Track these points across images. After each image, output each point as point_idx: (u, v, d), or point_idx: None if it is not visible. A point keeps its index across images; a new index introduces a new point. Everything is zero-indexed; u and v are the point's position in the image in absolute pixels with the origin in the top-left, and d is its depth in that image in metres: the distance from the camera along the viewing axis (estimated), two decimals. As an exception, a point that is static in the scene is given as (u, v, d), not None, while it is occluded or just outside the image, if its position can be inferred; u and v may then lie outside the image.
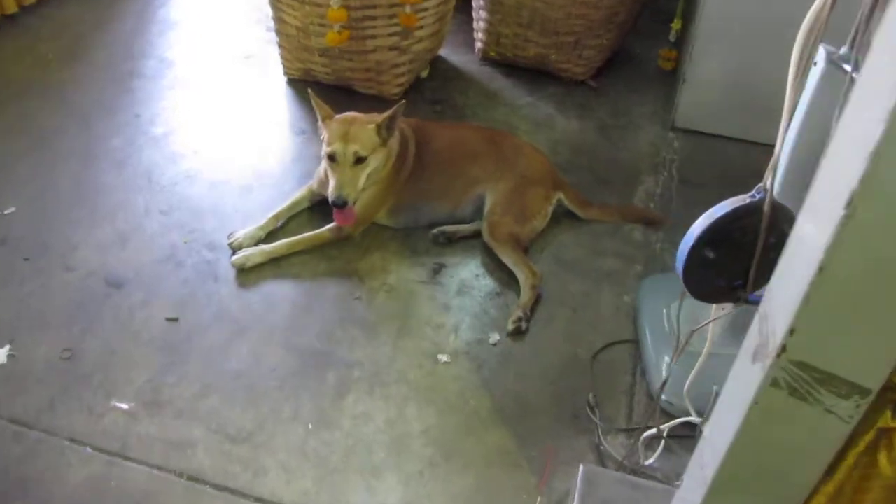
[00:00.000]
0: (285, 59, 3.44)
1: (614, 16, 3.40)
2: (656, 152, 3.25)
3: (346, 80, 3.39)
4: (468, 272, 2.61)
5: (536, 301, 2.47)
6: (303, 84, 3.49)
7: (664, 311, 2.37)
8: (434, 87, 3.56)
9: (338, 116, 2.51)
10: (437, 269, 2.61)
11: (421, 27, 3.22)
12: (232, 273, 2.54)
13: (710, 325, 2.29)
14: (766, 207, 1.35)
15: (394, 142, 2.57)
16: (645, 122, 3.43)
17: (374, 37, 3.15)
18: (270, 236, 2.67)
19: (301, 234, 2.64)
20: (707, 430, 1.45)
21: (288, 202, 2.75)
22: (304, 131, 3.24)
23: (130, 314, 2.38)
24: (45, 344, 2.26)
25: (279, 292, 2.49)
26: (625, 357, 2.35)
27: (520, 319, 2.38)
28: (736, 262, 1.40)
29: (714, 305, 2.28)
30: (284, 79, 3.55)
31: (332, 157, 2.43)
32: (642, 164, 3.18)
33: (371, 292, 2.51)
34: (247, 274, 2.54)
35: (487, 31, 3.59)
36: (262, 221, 2.67)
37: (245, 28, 3.95)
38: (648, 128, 3.40)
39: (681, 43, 3.59)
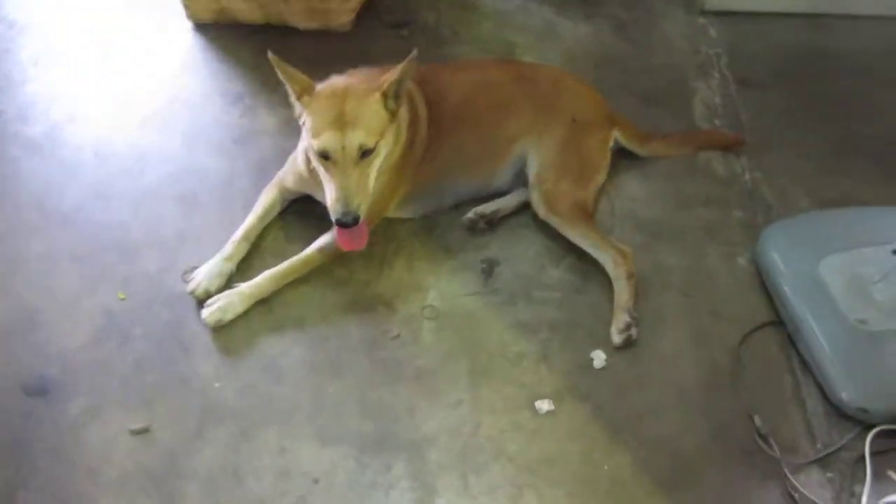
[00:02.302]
0: (188, -2, 2.50)
1: None
2: (694, 48, 2.56)
3: (278, 16, 2.50)
4: (529, 264, 1.92)
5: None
6: (216, 29, 2.58)
7: (816, 271, 1.76)
8: (392, 6, 2.70)
9: (321, 87, 1.69)
10: (488, 269, 1.90)
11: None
12: (207, 335, 1.76)
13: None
14: None
15: (402, 111, 1.78)
16: (665, 8, 2.71)
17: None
18: (244, 267, 1.88)
19: (285, 256, 1.86)
20: None
21: (255, 213, 1.94)
22: (241, 96, 2.37)
23: (74, 436, 1.59)
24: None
25: (284, 351, 1.74)
26: (773, 348, 1.76)
27: (628, 326, 1.73)
28: None
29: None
30: (189, 25, 2.60)
31: (324, 155, 1.64)
32: (684, 67, 2.49)
33: (410, 323, 1.79)
34: (229, 332, 1.76)
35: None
36: (228, 249, 1.86)
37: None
38: (672, 15, 2.69)
39: None
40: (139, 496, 1.50)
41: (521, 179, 2.00)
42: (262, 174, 2.06)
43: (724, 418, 1.62)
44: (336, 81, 1.71)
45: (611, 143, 2.05)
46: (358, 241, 1.71)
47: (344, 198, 1.62)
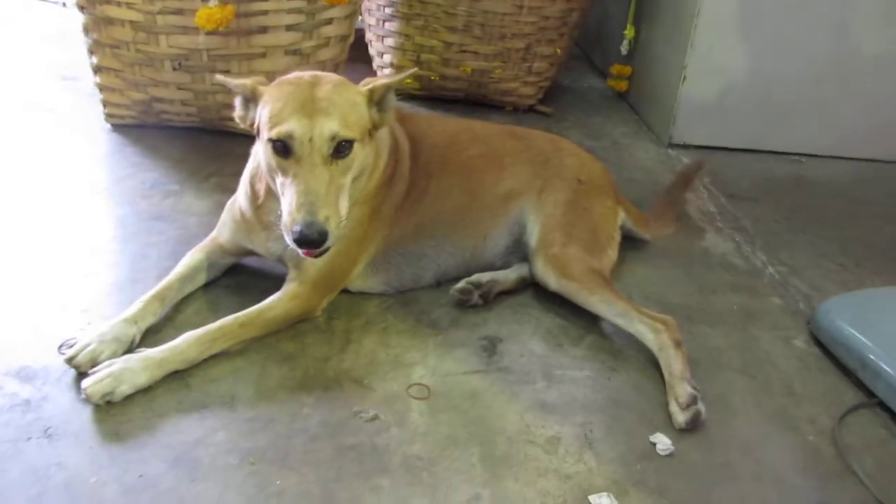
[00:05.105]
0: (108, 91, 2.15)
1: (568, 14, 2.60)
2: (672, 169, 2.39)
3: (213, 119, 2.18)
4: (541, 343, 1.46)
5: (681, 367, 1.39)
6: (138, 130, 2.22)
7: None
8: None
9: (284, 78, 1.34)
10: (490, 347, 1.43)
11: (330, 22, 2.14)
12: (83, 415, 1.16)
13: None
14: None
15: (383, 136, 1.43)
16: (632, 143, 2.59)
17: (265, 29, 2.01)
18: (154, 335, 1.34)
19: (213, 322, 1.34)
20: None
21: (176, 272, 1.45)
22: (164, 183, 1.95)
23: None
24: None
25: (204, 437, 1.15)
26: (878, 430, 1.32)
27: (694, 400, 1.27)
28: None
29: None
30: (106, 127, 2.24)
31: (284, 147, 1.24)
32: (666, 183, 2.29)
33: (392, 404, 1.26)
34: (120, 411, 1.17)
35: (399, 50, 2.62)
36: (133, 308, 1.33)
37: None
38: (641, 147, 2.56)
39: (634, 56, 2.87)
40: None
41: (517, 253, 1.62)
42: (187, 248, 1.59)
43: (854, 517, 1.13)
44: (306, 72, 1.35)
45: (619, 221, 1.73)
46: None
47: (309, 204, 1.19)
